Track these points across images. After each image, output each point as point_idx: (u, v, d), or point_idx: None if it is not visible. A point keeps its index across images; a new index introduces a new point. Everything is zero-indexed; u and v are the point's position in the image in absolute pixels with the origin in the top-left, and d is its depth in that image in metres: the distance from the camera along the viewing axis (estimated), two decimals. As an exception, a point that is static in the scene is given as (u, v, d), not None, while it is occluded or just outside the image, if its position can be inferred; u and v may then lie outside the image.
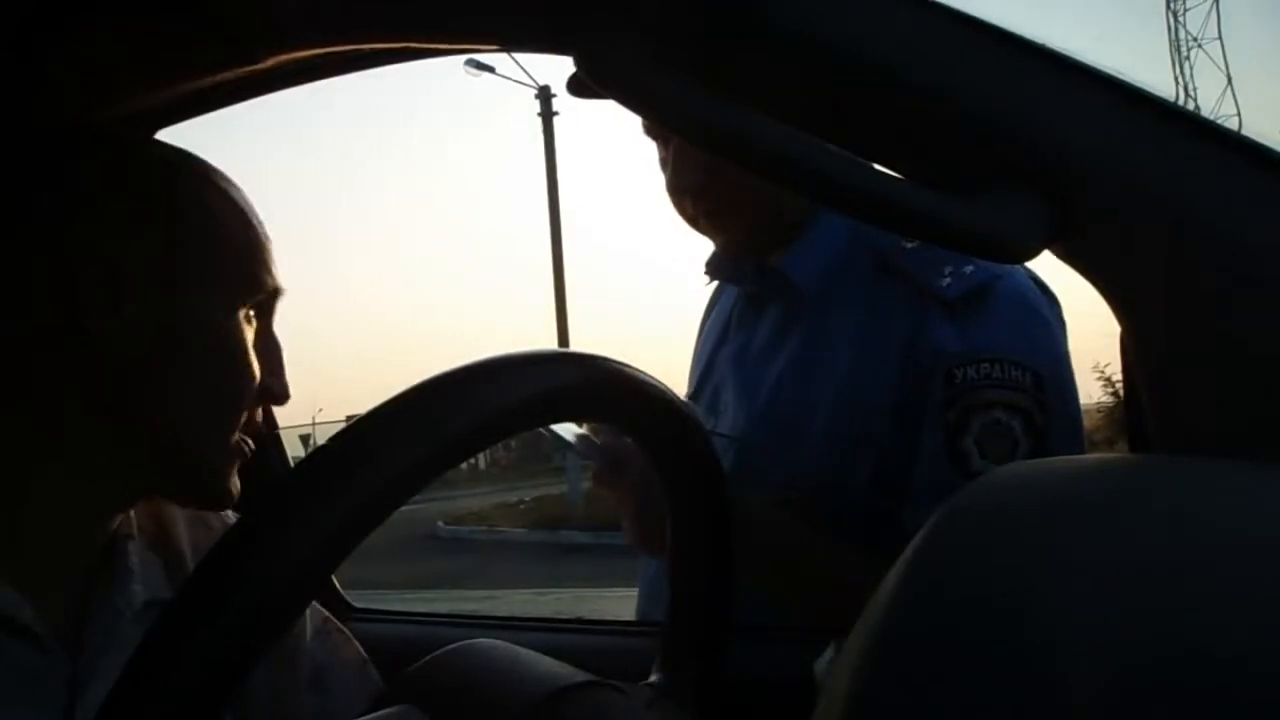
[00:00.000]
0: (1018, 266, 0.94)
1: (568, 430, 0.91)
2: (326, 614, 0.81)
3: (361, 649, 0.81)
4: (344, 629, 0.82)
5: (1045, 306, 0.93)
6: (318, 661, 0.77)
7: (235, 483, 0.68)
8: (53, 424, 0.63)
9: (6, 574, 0.60)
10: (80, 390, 0.63)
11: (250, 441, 0.69)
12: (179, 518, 0.74)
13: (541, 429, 0.87)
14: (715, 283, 1.17)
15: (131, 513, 0.70)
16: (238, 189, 0.70)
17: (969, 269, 0.90)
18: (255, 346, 0.67)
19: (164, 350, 0.64)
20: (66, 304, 0.61)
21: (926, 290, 0.91)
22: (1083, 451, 0.93)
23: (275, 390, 0.69)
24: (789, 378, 0.98)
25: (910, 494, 0.89)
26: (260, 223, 0.70)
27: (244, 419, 0.67)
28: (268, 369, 0.68)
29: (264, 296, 0.68)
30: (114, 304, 0.62)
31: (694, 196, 1.00)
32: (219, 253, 0.66)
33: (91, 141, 0.68)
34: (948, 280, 0.90)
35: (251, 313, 0.68)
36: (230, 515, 0.78)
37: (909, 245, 0.94)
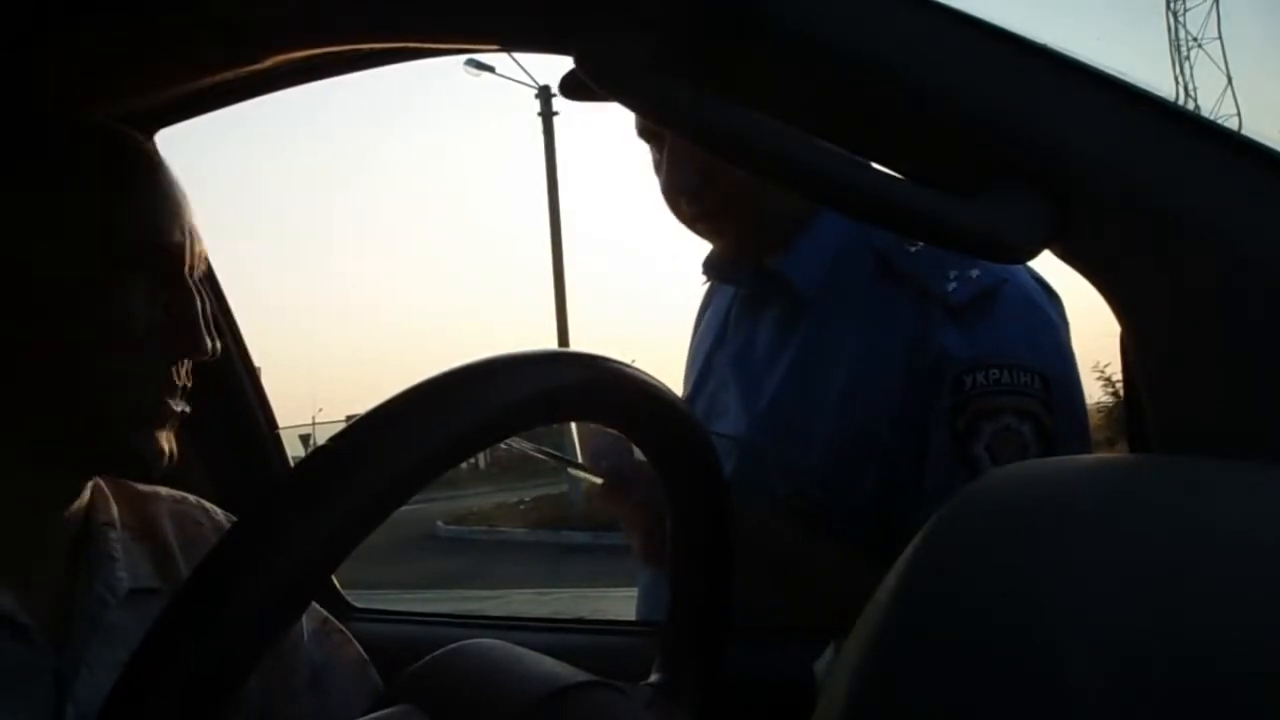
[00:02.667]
0: (1020, 267, 0.94)
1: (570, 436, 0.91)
2: (326, 614, 0.81)
3: (361, 650, 0.81)
4: (344, 629, 0.82)
5: (1049, 306, 0.93)
6: (316, 662, 0.77)
7: (163, 445, 0.66)
8: None
9: None
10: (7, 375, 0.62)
11: (178, 403, 0.67)
12: (163, 513, 0.74)
13: (538, 454, 0.88)
14: (710, 283, 1.17)
15: (110, 499, 0.70)
16: (121, 142, 0.68)
17: (974, 273, 0.90)
18: (162, 305, 0.65)
19: (41, 327, 0.62)
20: None
21: (931, 294, 0.91)
22: (1090, 450, 0.93)
23: (188, 346, 0.67)
24: (791, 380, 0.98)
25: (920, 500, 0.89)
26: (146, 176, 0.67)
27: (165, 381, 0.66)
28: (182, 326, 0.66)
29: (153, 254, 0.66)
30: (26, 287, 0.61)
31: (689, 198, 0.99)
32: (76, 219, 0.63)
33: None
34: (953, 285, 0.90)
35: (142, 273, 0.65)
36: (221, 514, 0.79)
37: (912, 248, 0.93)
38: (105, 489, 0.71)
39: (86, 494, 0.69)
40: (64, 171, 0.64)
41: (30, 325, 0.62)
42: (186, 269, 0.68)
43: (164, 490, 0.77)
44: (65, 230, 0.63)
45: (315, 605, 0.80)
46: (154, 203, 0.66)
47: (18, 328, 0.62)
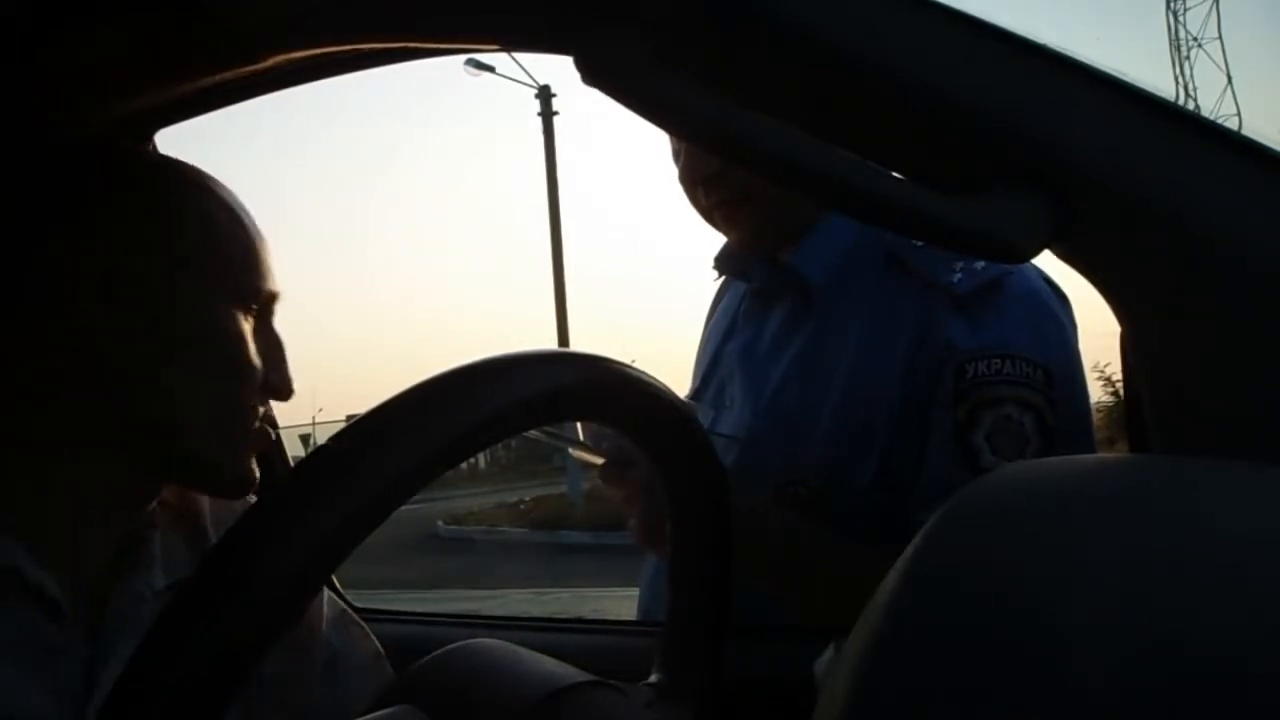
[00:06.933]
0: (1029, 266, 0.94)
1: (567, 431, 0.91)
2: (344, 606, 0.82)
3: (377, 643, 0.81)
4: (361, 623, 0.82)
5: (1056, 304, 0.93)
6: (333, 649, 0.77)
7: (252, 470, 0.70)
8: (65, 422, 0.65)
9: (35, 553, 0.62)
10: (87, 389, 0.65)
11: (267, 430, 0.72)
12: (204, 498, 0.76)
13: (539, 435, 0.88)
14: (722, 278, 1.17)
15: (155, 506, 0.72)
16: (232, 195, 0.72)
17: (980, 265, 0.90)
18: (256, 344, 0.69)
19: (164, 350, 0.65)
20: (64, 318, 0.64)
21: (937, 286, 0.91)
22: (1094, 450, 0.93)
23: (277, 384, 0.71)
24: (795, 373, 0.98)
25: (916, 490, 0.89)
26: (255, 227, 0.72)
27: (254, 411, 0.70)
28: (269, 365, 0.70)
29: (261, 299, 0.70)
30: (112, 314, 0.64)
31: (706, 188, 0.99)
32: (216, 258, 0.68)
33: (88, 149, 0.70)
34: (959, 276, 0.90)
35: (251, 313, 0.70)
36: (254, 498, 0.79)
37: (919, 241, 0.94)
38: None
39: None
40: (185, 223, 0.68)
41: (142, 348, 0.65)
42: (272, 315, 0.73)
43: None
44: (191, 265, 0.67)
45: (333, 596, 0.81)
46: (255, 251, 0.71)
47: (124, 348, 0.65)
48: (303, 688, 0.74)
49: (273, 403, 1.19)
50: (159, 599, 0.67)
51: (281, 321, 0.74)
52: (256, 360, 0.69)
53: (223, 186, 0.72)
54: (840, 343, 0.95)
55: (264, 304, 0.71)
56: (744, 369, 1.04)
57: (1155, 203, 0.39)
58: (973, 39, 0.42)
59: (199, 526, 0.74)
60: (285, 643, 0.72)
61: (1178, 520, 0.28)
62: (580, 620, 1.38)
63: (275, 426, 1.20)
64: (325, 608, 0.79)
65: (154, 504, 0.71)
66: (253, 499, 0.79)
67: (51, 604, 0.62)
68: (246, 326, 0.69)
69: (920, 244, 0.93)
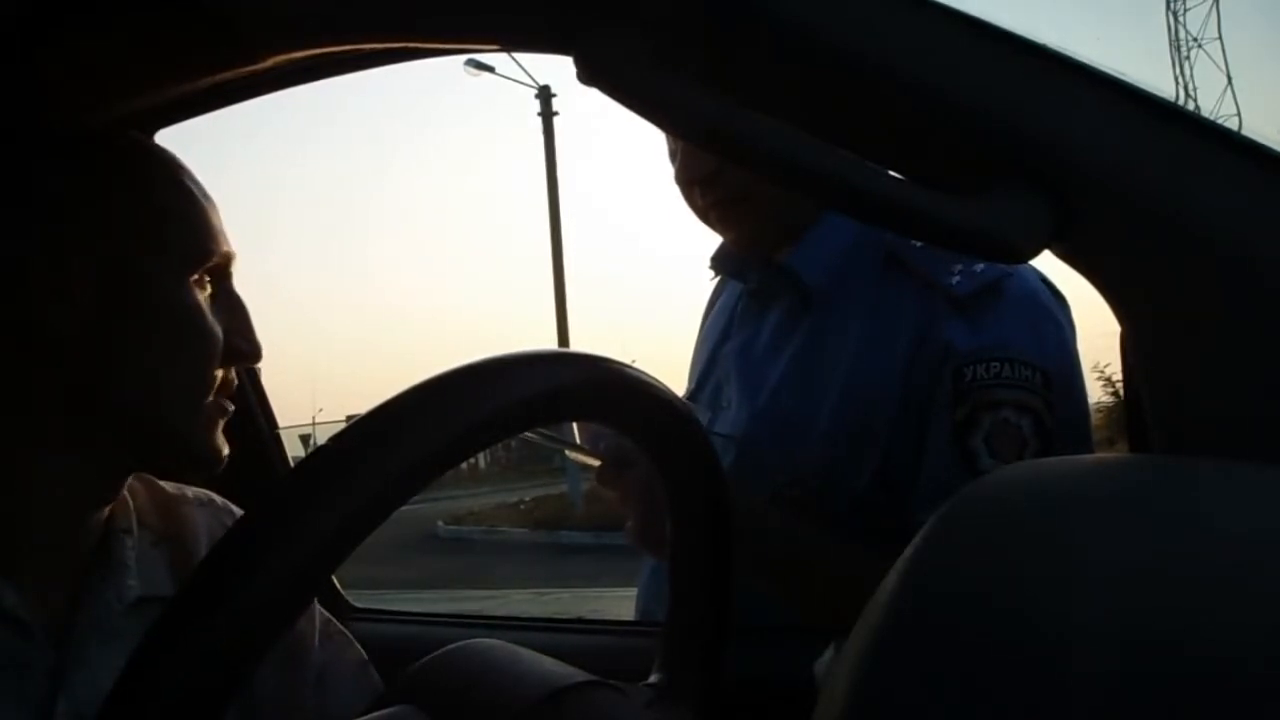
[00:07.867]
0: (1027, 267, 0.94)
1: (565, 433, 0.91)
2: (328, 616, 0.82)
3: (361, 650, 0.81)
4: (344, 630, 0.82)
5: (1054, 306, 0.93)
6: (320, 661, 0.77)
7: (220, 444, 0.68)
8: (32, 415, 0.64)
9: (2, 564, 0.61)
10: (51, 379, 0.64)
11: (229, 402, 0.69)
12: (192, 516, 0.75)
13: (534, 437, 0.88)
14: (718, 278, 1.17)
15: (131, 507, 0.71)
16: (172, 159, 0.70)
17: (979, 267, 0.90)
18: (217, 310, 0.68)
19: (121, 328, 0.64)
20: (18, 302, 0.62)
21: (936, 287, 0.91)
22: (1092, 452, 0.93)
23: (243, 349, 0.70)
24: (793, 374, 0.98)
25: (915, 492, 0.89)
26: (201, 190, 0.70)
27: (219, 381, 0.68)
28: (234, 330, 0.69)
29: (214, 262, 0.68)
30: (63, 294, 0.63)
31: (703, 187, 0.99)
32: (158, 226, 0.66)
33: (15, 138, 0.68)
34: (958, 278, 0.90)
35: (207, 278, 0.68)
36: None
37: (918, 242, 0.93)
38: (128, 495, 0.71)
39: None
40: (122, 196, 0.67)
41: (97, 325, 0.64)
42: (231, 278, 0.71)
43: (190, 491, 0.78)
44: (137, 236, 0.65)
45: (317, 607, 0.81)
46: (200, 214, 0.69)
47: (79, 327, 0.63)
48: (297, 701, 0.74)
49: (272, 402, 1.19)
50: (130, 612, 0.66)
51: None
52: (217, 328, 0.67)
53: (157, 149, 0.71)
54: (840, 343, 0.95)
55: (220, 268, 0.69)
56: (741, 370, 1.04)
57: (1155, 203, 0.39)
58: (973, 39, 0.42)
59: (187, 545, 0.72)
60: (280, 657, 0.72)
61: (1178, 520, 0.28)
62: (580, 620, 1.38)
63: (275, 426, 1.20)
64: (315, 621, 0.78)
65: (131, 510, 0.70)
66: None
67: (14, 618, 0.61)
68: (204, 294, 0.67)
69: (920, 244, 0.93)
